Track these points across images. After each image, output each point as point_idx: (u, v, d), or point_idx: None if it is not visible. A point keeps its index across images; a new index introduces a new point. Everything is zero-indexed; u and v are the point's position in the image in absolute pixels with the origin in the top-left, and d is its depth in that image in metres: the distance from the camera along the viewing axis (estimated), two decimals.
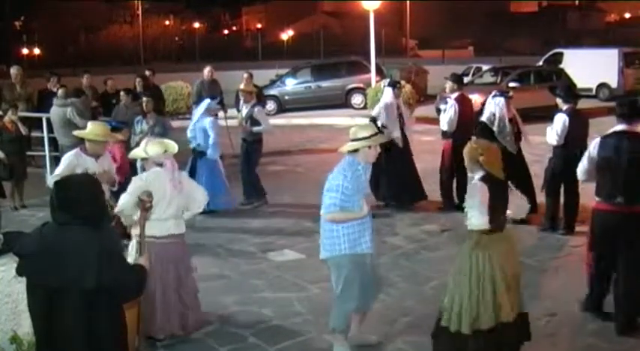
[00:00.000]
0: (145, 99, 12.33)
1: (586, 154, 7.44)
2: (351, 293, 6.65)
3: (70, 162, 8.25)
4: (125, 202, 6.87)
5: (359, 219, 6.58)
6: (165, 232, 7.07)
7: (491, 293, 6.14)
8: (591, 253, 7.46)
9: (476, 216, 6.19)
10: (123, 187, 7.82)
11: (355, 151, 6.59)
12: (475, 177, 6.33)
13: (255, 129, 12.48)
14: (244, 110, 12.68)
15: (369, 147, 6.57)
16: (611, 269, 7.33)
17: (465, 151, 6.44)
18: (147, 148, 7.22)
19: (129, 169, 10.12)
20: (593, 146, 7.35)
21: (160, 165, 7.11)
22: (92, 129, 8.37)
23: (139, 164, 8.55)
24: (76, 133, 8.72)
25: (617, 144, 7.16)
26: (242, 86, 13.24)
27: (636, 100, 8.22)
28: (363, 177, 6.64)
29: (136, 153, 7.57)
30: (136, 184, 6.99)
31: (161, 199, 6.96)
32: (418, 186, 12.30)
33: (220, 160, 12.17)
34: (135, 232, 7.01)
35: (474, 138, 7.32)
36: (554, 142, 10.12)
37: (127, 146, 10.71)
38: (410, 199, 12.20)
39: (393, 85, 12.52)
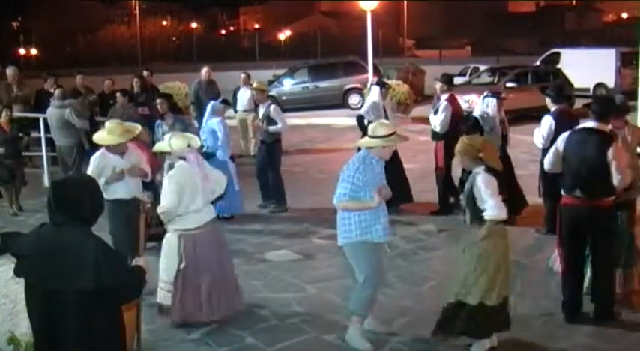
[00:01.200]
0: (158, 100, 11.87)
1: (553, 147, 7.57)
2: (373, 278, 6.88)
3: (98, 163, 8.35)
4: (171, 202, 7.10)
5: (370, 209, 6.74)
6: (201, 222, 7.38)
7: (494, 271, 6.46)
8: (562, 251, 7.52)
9: (492, 207, 6.34)
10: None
11: (370, 147, 6.78)
12: (477, 171, 6.44)
13: (272, 128, 12.14)
14: (260, 110, 12.38)
15: (384, 147, 6.76)
16: (582, 267, 7.49)
17: (459, 149, 6.60)
18: (171, 142, 7.34)
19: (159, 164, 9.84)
20: (560, 141, 7.48)
21: (183, 159, 7.25)
22: (109, 131, 8.35)
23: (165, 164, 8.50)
24: (95, 139, 8.61)
25: (582, 139, 7.28)
26: (255, 84, 13.06)
27: (612, 98, 8.29)
28: (377, 170, 6.81)
29: (161, 146, 7.68)
30: (173, 182, 7.17)
31: (195, 191, 7.24)
32: (405, 189, 12.17)
33: (231, 161, 11.95)
34: (171, 227, 7.36)
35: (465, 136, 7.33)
36: (540, 145, 10.15)
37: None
38: (399, 202, 12.09)
39: (382, 84, 12.49)
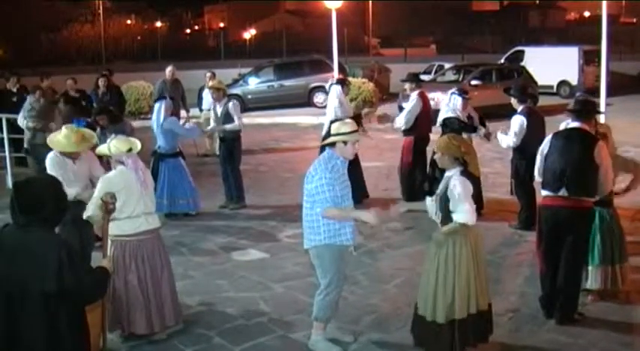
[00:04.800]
0: (98, 117, 11.40)
1: (538, 154, 7.59)
2: (336, 283, 6.76)
3: (56, 162, 8.06)
4: (95, 206, 6.79)
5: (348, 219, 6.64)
6: (136, 229, 7.07)
7: (465, 280, 6.28)
8: (539, 250, 7.56)
9: (464, 211, 6.21)
10: None
11: (333, 145, 6.62)
12: (453, 172, 6.36)
13: (229, 127, 12.10)
14: (219, 109, 12.31)
15: (345, 143, 6.57)
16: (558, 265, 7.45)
17: (443, 146, 6.43)
18: (110, 145, 7.16)
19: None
20: (544, 145, 7.53)
21: (122, 163, 7.08)
22: (64, 135, 7.97)
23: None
24: (49, 141, 8.21)
25: (566, 140, 7.31)
26: (211, 83, 13.00)
27: (590, 100, 8.36)
28: (341, 170, 6.65)
29: (101, 149, 7.51)
30: (103, 185, 6.94)
31: (130, 197, 6.95)
32: (360, 185, 12.15)
33: (182, 160, 11.92)
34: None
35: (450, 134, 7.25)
36: (512, 144, 10.20)
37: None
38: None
39: (342, 82, 12.54)
